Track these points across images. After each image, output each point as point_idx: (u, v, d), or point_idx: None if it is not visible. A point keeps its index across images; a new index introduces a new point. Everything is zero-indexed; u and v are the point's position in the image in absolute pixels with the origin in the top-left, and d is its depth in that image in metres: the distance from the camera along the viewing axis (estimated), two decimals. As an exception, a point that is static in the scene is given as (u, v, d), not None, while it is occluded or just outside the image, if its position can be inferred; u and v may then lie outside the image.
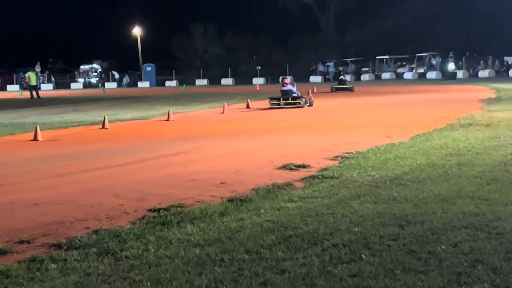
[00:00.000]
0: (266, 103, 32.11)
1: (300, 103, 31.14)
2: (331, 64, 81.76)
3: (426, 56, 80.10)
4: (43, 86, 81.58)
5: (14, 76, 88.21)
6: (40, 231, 8.23)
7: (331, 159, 13.55)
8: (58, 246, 7.56)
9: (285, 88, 31.86)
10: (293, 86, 32.72)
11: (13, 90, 77.19)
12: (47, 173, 13.20)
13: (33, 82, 53.19)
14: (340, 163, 12.97)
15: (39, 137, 19.72)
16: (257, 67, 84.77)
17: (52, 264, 6.80)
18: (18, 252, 7.41)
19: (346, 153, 14.19)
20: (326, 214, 8.56)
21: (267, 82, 79.71)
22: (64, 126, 24.60)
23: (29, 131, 21.50)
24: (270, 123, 23.54)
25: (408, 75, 77.17)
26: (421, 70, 78.40)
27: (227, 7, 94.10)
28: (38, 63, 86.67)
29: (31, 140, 19.67)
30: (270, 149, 15.83)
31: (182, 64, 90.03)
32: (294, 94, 31.73)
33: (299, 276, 6.22)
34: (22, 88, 74.21)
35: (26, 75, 55.61)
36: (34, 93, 51.90)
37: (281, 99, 31.56)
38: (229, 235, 7.74)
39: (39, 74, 57.72)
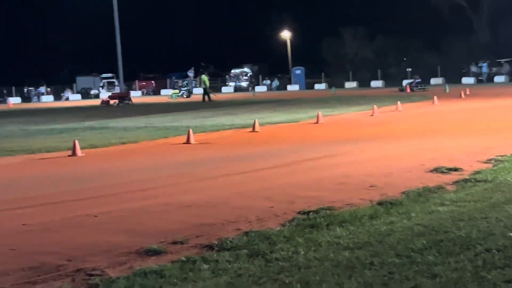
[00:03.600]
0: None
1: None
2: (484, 65, 79.62)
3: None
4: (195, 90, 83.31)
5: (167, 80, 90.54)
6: (192, 232, 8.42)
7: (484, 162, 13.21)
8: (210, 247, 7.70)
9: None
10: None
11: (166, 95, 79.21)
12: (200, 176, 13.48)
13: (205, 85, 54.43)
14: (494, 166, 12.63)
15: (192, 140, 20.16)
16: (407, 69, 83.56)
17: (204, 265, 6.93)
18: (172, 252, 7.60)
19: (500, 156, 13.79)
20: (479, 218, 8.35)
21: (417, 84, 78.45)
22: (215, 129, 25.05)
23: (182, 134, 22.02)
24: (420, 126, 23.16)
25: None
26: None
27: (377, 10, 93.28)
28: (192, 68, 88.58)
29: (184, 143, 20.14)
30: (420, 152, 15.59)
31: (332, 67, 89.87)
32: None
33: (451, 281, 6.09)
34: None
35: (202, 77, 56.60)
36: (211, 95, 53.15)
37: None
38: (379, 238, 7.67)
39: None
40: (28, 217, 9.78)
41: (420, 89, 60.36)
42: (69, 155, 18.16)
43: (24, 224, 9.23)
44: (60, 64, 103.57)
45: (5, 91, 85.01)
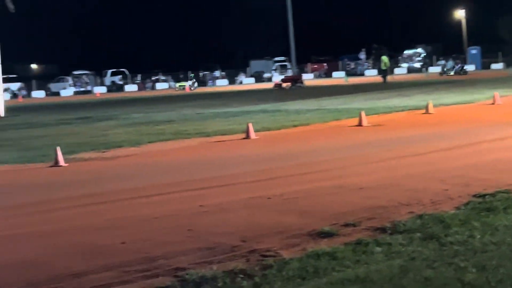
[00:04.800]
0: None
1: None
2: None
3: None
4: (368, 72, 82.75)
5: (340, 63, 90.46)
6: (365, 215, 8.39)
7: None
8: (383, 229, 7.65)
9: None
10: None
11: (338, 77, 79.20)
12: (372, 158, 13.42)
13: (385, 66, 54.19)
14: None
15: (364, 122, 20.05)
16: None
17: (377, 248, 6.89)
18: (344, 234, 7.60)
19: None
20: None
21: None
22: (388, 111, 24.81)
23: (354, 116, 21.93)
24: None
25: None
26: None
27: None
28: (364, 49, 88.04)
29: (355, 126, 20.07)
30: None
31: (509, 46, 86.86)
32: None
33: None
34: (348, 74, 75.86)
35: (382, 58, 56.50)
36: (388, 76, 52.94)
37: None
38: (561, 223, 7.37)
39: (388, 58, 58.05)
40: (204, 198, 10.06)
41: (463, 73, 63.49)
42: (243, 138, 18.51)
43: (200, 205, 9.50)
44: (234, 49, 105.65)
45: (181, 76, 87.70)
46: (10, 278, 6.63)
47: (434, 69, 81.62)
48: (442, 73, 64.79)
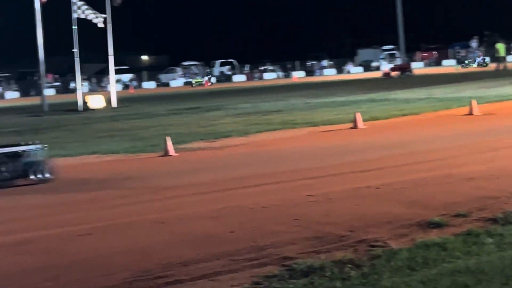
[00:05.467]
0: None
1: None
2: None
3: None
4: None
5: (450, 50, 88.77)
6: (475, 205, 8.23)
7: None
8: (494, 220, 7.49)
9: None
10: None
11: (448, 65, 77.76)
12: (483, 148, 13.17)
13: (500, 54, 53.14)
14: None
15: (475, 111, 19.64)
16: None
17: (489, 239, 6.75)
18: (454, 225, 7.48)
19: None
20: None
21: None
22: (500, 99, 24.22)
23: (464, 105, 21.51)
24: None
25: None
26: None
27: None
28: (475, 37, 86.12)
29: (466, 115, 19.69)
30: None
31: None
32: None
33: None
34: (459, 62, 74.39)
35: (496, 46, 55.48)
36: (501, 65, 51.84)
37: None
38: None
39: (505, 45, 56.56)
40: (312, 188, 10.07)
41: (485, 65, 62.84)
42: (351, 127, 18.42)
43: (308, 195, 9.51)
44: (341, 37, 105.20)
45: (289, 66, 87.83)
46: (123, 265, 6.80)
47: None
48: (464, 66, 63.39)
